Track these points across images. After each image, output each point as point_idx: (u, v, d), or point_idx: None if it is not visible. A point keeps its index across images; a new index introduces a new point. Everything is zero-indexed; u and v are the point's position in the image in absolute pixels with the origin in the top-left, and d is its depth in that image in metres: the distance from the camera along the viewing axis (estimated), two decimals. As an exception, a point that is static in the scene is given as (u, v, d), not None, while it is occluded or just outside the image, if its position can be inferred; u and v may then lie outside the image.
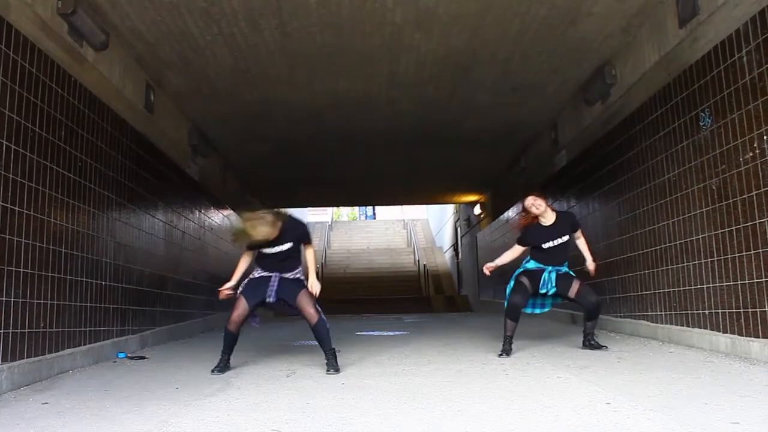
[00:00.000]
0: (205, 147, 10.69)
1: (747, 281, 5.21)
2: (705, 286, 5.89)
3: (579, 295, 6.17)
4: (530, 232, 6.32)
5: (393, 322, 12.07)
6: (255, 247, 5.49)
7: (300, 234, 5.56)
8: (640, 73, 7.15)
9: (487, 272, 6.32)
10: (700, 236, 5.93)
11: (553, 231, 6.21)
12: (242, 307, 5.45)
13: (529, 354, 6.10)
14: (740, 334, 5.33)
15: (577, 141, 9.44)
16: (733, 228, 5.38)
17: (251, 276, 5.61)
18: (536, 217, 6.23)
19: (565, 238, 6.22)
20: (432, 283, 23.63)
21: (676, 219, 6.40)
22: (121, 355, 6.74)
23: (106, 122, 6.77)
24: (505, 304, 6.27)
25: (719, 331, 5.66)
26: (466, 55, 7.85)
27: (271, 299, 5.44)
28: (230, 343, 5.54)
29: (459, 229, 22.76)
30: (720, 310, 5.65)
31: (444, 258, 27.41)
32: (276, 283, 5.46)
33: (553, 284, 6.14)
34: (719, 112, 5.55)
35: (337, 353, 5.50)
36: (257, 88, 8.73)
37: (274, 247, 5.44)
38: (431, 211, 32.51)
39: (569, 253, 6.35)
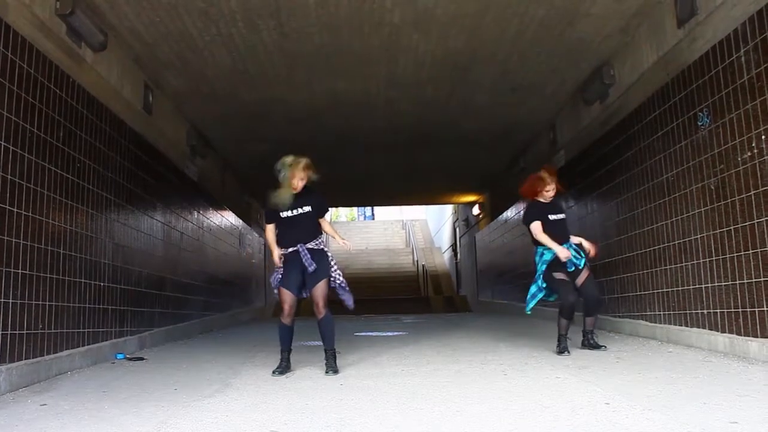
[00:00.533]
0: (203, 147, 10.69)
1: (745, 281, 5.21)
2: (703, 285, 5.89)
3: (584, 285, 6.15)
4: (536, 209, 6.37)
5: (392, 323, 12.06)
6: (279, 208, 5.48)
7: (320, 201, 5.62)
8: (638, 74, 7.15)
9: (567, 255, 6.12)
10: (699, 236, 5.93)
11: (554, 207, 6.36)
12: (289, 297, 5.42)
13: (527, 354, 6.10)
14: (739, 334, 5.34)
15: (575, 141, 9.45)
16: (732, 228, 5.38)
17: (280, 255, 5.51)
18: (537, 192, 6.33)
19: (563, 215, 6.36)
20: (431, 283, 23.61)
21: (674, 219, 6.40)
22: (120, 356, 6.73)
23: (105, 123, 6.77)
24: (528, 303, 6.25)
25: (718, 331, 5.67)
26: (465, 56, 7.86)
27: (311, 268, 5.38)
28: (288, 337, 5.48)
29: (458, 230, 22.76)
30: (718, 310, 5.65)
31: (443, 258, 27.40)
32: (306, 253, 5.41)
33: (581, 257, 6.15)
34: (717, 111, 5.55)
35: (337, 354, 5.50)
36: (256, 88, 8.73)
37: (295, 209, 5.46)
38: (430, 211, 32.49)
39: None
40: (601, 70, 7.97)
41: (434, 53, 7.76)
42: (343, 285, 5.58)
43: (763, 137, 4.91)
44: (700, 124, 5.84)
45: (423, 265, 24.64)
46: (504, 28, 7.11)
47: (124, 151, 7.32)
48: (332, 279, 5.55)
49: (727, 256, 5.47)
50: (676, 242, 6.37)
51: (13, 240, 4.90)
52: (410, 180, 15.75)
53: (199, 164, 10.62)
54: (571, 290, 6.11)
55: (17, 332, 4.94)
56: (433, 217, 31.68)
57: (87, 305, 6.24)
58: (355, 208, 45.73)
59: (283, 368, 5.36)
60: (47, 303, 5.45)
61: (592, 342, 6.24)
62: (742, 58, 5.16)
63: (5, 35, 4.87)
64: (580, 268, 6.16)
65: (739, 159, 5.22)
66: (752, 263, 5.10)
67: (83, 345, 6.12)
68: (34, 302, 5.21)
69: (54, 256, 5.59)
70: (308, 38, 7.20)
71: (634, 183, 7.36)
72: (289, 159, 5.50)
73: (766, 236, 4.92)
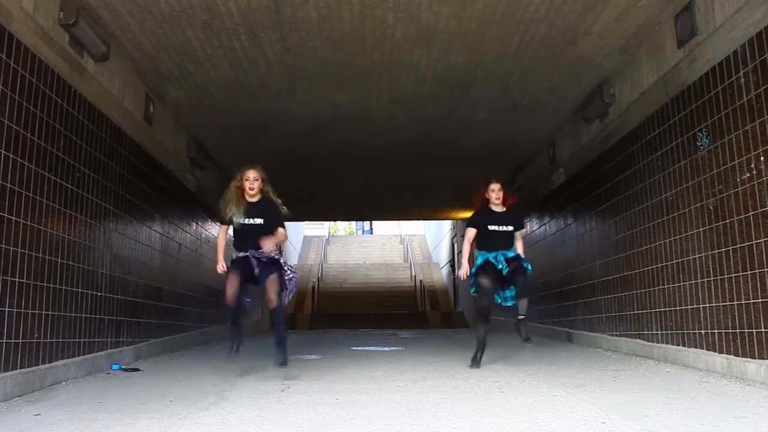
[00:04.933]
0: (203, 159, 10.70)
1: (743, 302, 5.20)
2: (701, 306, 5.88)
3: (514, 271, 6.27)
4: (480, 215, 6.62)
5: (389, 338, 12.03)
6: (233, 214, 5.73)
7: (275, 214, 5.79)
8: (638, 93, 7.18)
9: (464, 277, 6.51)
10: (697, 256, 5.93)
11: (501, 217, 6.50)
12: (234, 281, 5.60)
13: (524, 371, 6.08)
14: (736, 355, 5.32)
15: (575, 159, 9.47)
16: (730, 248, 5.38)
17: (232, 258, 5.77)
18: (487, 200, 6.57)
19: (510, 228, 6.48)
20: (428, 298, 23.58)
21: (673, 238, 6.40)
22: (115, 366, 6.70)
23: (105, 133, 6.78)
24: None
25: (715, 352, 5.65)
26: (466, 72, 7.89)
27: (257, 270, 5.58)
28: (234, 314, 5.71)
29: (456, 245, 22.75)
30: (716, 330, 5.64)
31: (440, 274, 27.38)
32: (253, 258, 5.62)
33: (504, 264, 6.27)
34: (717, 132, 5.57)
35: (298, 360, 5.82)
36: (257, 101, 8.75)
37: (248, 218, 5.69)
38: (428, 226, 32.51)
39: (513, 243, 6.51)
40: (601, 88, 8.00)
41: (435, 69, 7.80)
42: (291, 280, 5.73)
43: (762, 158, 4.92)
44: (699, 144, 5.86)
45: (420, 281, 24.62)
46: (505, 46, 7.15)
47: (124, 162, 7.33)
48: (287, 275, 5.69)
49: (725, 276, 5.47)
50: (675, 262, 6.37)
51: (11, 248, 4.90)
52: (409, 195, 15.76)
53: (198, 176, 10.63)
54: (488, 297, 6.33)
55: (12, 341, 4.92)
56: (431, 233, 31.70)
57: (83, 315, 6.22)
58: (353, 223, 45.77)
59: (236, 345, 5.76)
60: (43, 312, 5.43)
61: (521, 334, 6.29)
62: (742, 80, 5.18)
63: (8, 44, 4.89)
64: (504, 273, 6.29)
65: (738, 180, 5.24)
66: (750, 284, 5.10)
67: (79, 355, 6.10)
68: (30, 311, 5.19)
69: (51, 265, 5.58)
70: (310, 52, 7.24)
71: (633, 202, 7.37)
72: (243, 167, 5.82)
73: (764, 257, 4.92)
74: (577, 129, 9.30)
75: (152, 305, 8.32)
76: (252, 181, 5.74)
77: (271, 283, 5.59)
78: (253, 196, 5.77)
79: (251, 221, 5.71)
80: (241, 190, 5.76)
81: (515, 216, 6.63)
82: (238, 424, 3.80)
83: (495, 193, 6.53)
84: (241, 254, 5.69)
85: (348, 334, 13.66)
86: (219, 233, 5.98)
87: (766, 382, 4.85)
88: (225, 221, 5.88)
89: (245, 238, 5.71)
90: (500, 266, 6.29)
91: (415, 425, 3.71)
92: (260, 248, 5.63)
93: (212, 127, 9.85)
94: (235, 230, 5.79)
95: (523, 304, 6.35)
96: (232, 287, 5.60)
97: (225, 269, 5.76)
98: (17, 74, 5.01)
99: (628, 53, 7.25)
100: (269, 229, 5.74)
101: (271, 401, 4.62)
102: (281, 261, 5.75)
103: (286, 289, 5.75)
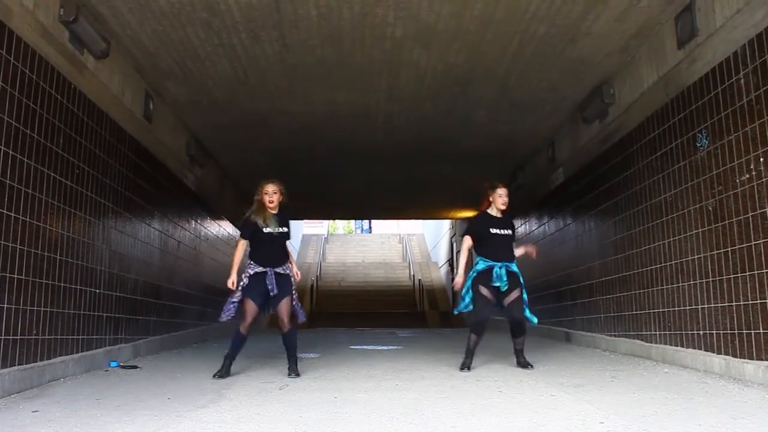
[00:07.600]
0: (203, 157, 10.69)
1: (742, 302, 5.21)
2: (700, 306, 5.89)
3: (510, 306, 6.21)
4: (477, 221, 6.56)
5: (387, 337, 12.03)
6: (255, 226, 5.86)
7: (289, 227, 6.03)
8: (638, 93, 7.18)
9: (457, 287, 6.44)
10: (696, 257, 5.94)
11: (501, 221, 6.45)
12: (252, 308, 5.75)
13: (522, 371, 6.08)
14: (734, 356, 5.33)
15: (574, 159, 9.47)
16: (729, 249, 5.39)
17: (246, 275, 5.83)
18: (489, 204, 6.51)
19: (509, 231, 6.44)
20: (426, 297, 23.56)
21: (672, 239, 6.41)
22: (114, 364, 6.70)
23: (105, 130, 6.77)
24: (456, 312, 6.45)
25: (713, 352, 5.66)
26: (465, 72, 7.89)
27: (274, 291, 5.72)
28: (238, 346, 5.87)
29: (455, 245, 22.75)
30: (714, 331, 5.65)
31: (439, 273, 27.37)
32: (272, 277, 5.76)
33: (505, 280, 6.15)
34: (716, 133, 5.57)
35: (298, 360, 6.01)
36: (256, 99, 8.74)
37: (272, 227, 5.83)
38: (427, 226, 32.51)
39: (513, 250, 6.46)
40: (600, 88, 8.00)
41: (435, 68, 7.79)
42: (296, 304, 5.96)
43: (761, 160, 4.93)
44: (698, 145, 5.86)
45: (419, 280, 24.60)
46: (505, 45, 7.15)
47: (123, 159, 7.32)
48: (295, 302, 5.95)
49: (724, 277, 5.47)
50: (673, 262, 6.38)
51: (10, 245, 4.89)
52: (408, 194, 15.75)
53: (197, 173, 10.62)
54: (487, 308, 6.21)
55: (11, 337, 4.92)
56: (430, 232, 31.69)
57: (82, 312, 6.22)
58: (352, 221, 45.77)
59: (224, 373, 5.76)
60: (42, 309, 5.43)
61: (521, 361, 6.30)
62: (742, 81, 5.19)
63: (8, 41, 4.89)
64: (502, 290, 6.18)
65: (737, 181, 5.24)
66: (748, 285, 5.11)
67: (77, 352, 6.10)
68: (28, 308, 5.19)
69: (50, 261, 5.57)
70: (310, 50, 7.23)
71: (632, 202, 7.37)
72: (262, 182, 6.03)
73: (762, 259, 4.92)
74: (576, 129, 9.30)
75: (151, 303, 8.32)
76: (271, 195, 5.91)
77: (284, 309, 5.79)
78: (273, 208, 5.93)
79: (278, 230, 5.88)
80: (262, 202, 5.94)
81: (510, 220, 6.58)
82: (237, 422, 3.80)
83: (502, 198, 6.43)
84: (260, 269, 5.78)
85: (346, 332, 13.66)
86: (237, 246, 6.03)
87: (764, 383, 4.86)
88: (245, 236, 6.00)
89: (268, 248, 5.84)
90: (499, 283, 6.14)
91: (414, 424, 3.71)
92: (280, 262, 5.83)
93: (212, 125, 9.83)
94: (258, 241, 5.88)
95: (520, 340, 6.33)
96: (251, 317, 5.75)
97: (235, 285, 5.84)
98: (17, 70, 5.01)
99: (628, 53, 7.25)
100: (286, 241, 5.98)
101: (269, 399, 4.63)
102: (292, 282, 5.92)
103: (298, 313, 5.96)
